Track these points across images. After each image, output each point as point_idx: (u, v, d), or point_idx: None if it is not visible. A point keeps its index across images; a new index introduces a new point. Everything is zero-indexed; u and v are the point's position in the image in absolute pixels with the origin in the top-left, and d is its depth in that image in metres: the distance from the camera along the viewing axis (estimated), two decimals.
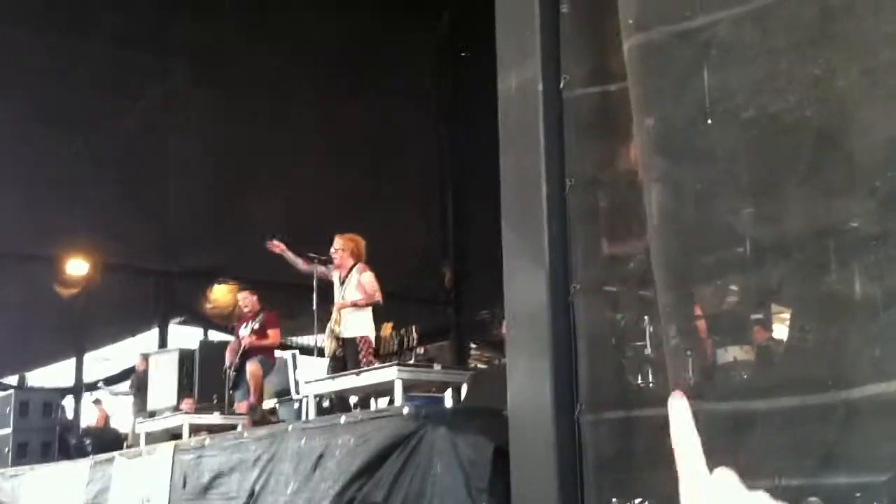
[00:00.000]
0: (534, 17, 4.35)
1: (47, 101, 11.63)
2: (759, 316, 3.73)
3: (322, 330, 7.24)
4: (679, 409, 0.69)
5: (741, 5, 3.40)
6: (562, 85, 4.31)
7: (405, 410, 4.70)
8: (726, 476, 0.66)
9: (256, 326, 8.11)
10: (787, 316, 3.68)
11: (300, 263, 7.45)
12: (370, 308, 7.09)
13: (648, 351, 4.26)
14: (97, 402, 10.87)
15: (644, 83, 3.71)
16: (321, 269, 7.35)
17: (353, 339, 6.94)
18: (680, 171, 3.58)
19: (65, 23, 11.64)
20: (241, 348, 7.96)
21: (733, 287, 3.54)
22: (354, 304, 7.00)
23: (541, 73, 4.31)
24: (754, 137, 3.39)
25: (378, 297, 7.03)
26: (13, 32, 11.44)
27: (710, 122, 3.46)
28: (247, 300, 8.42)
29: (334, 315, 7.07)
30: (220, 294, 8.68)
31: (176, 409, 7.79)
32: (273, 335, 8.19)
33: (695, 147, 3.52)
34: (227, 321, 8.54)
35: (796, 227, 3.32)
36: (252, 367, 7.89)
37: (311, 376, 7.04)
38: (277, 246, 7.46)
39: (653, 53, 3.66)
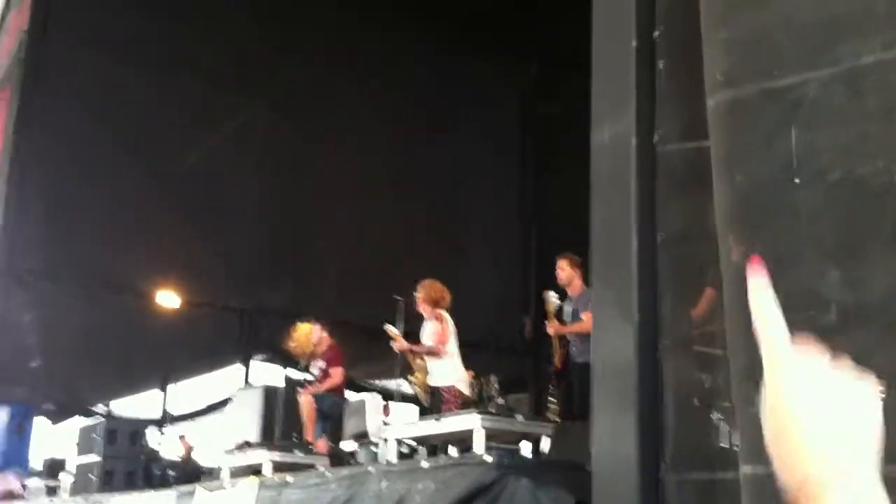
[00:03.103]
0: (629, 71, 4.39)
1: (137, 137, 12.03)
2: None
3: (403, 374, 7.30)
4: (758, 283, 0.72)
5: (832, 66, 3.39)
6: (655, 139, 4.33)
7: (487, 459, 4.69)
8: (808, 347, 0.68)
9: (322, 365, 8.21)
10: (882, 388, 3.58)
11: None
12: (452, 355, 7.10)
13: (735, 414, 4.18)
14: (182, 437, 11.11)
15: (731, 139, 3.71)
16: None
17: (437, 389, 7.00)
18: (763, 230, 3.55)
19: (158, 59, 12.03)
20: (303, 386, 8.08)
21: None
22: (411, 350, 7.07)
23: (635, 126, 4.33)
24: (840, 200, 3.34)
25: (442, 349, 7.01)
26: (116, 70, 11.90)
27: (796, 181, 3.44)
28: (316, 334, 8.52)
29: (415, 364, 7.13)
30: (303, 332, 8.83)
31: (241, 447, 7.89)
32: (335, 374, 8.21)
33: (779, 207, 3.49)
34: (309, 359, 8.69)
35: (880, 293, 3.25)
36: (303, 401, 7.96)
37: (392, 419, 7.08)
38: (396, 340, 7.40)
39: (740, 110, 3.66)
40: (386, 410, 8.23)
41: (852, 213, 3.35)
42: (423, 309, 7.27)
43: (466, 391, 6.96)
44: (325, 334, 8.46)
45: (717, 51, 3.79)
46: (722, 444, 4.09)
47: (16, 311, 11.74)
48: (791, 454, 0.66)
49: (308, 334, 8.60)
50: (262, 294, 12.58)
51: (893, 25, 3.19)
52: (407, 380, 7.26)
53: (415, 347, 7.07)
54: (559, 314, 7.01)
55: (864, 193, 3.30)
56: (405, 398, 7.48)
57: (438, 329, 7.07)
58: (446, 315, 7.21)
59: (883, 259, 3.21)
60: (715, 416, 4.15)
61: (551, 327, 6.89)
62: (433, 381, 7.03)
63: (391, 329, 7.21)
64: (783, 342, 0.68)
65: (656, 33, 4.42)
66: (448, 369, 7.06)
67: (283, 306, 12.13)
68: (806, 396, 0.66)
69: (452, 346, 7.13)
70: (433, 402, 6.94)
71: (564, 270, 6.93)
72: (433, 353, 7.04)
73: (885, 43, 3.19)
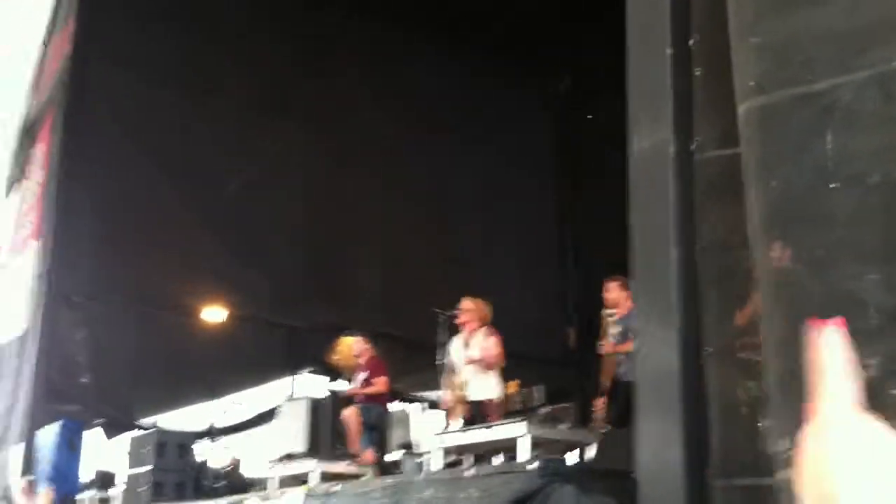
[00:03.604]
0: (667, 80, 4.42)
1: (181, 160, 12.21)
2: None
3: (447, 384, 7.37)
4: (835, 341, 0.73)
5: (864, 70, 3.39)
6: (693, 147, 4.35)
7: (532, 466, 4.73)
8: (874, 422, 0.70)
9: (364, 376, 8.29)
10: None
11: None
12: (496, 370, 7.18)
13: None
14: (227, 449, 11.25)
15: (765, 145, 3.72)
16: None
17: (479, 403, 7.06)
18: (800, 234, 3.55)
19: (200, 84, 12.23)
20: (348, 400, 8.16)
21: (871, 361, 3.45)
22: (473, 361, 7.13)
23: (673, 134, 4.36)
24: (878, 203, 3.34)
25: (500, 361, 7.12)
26: (157, 93, 12.09)
27: (832, 186, 3.44)
28: (357, 346, 8.58)
29: (461, 376, 7.19)
30: (346, 345, 8.95)
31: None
32: (379, 383, 8.26)
33: (816, 211, 3.49)
34: (352, 371, 8.81)
35: None
36: (348, 412, 8.04)
37: (436, 429, 7.14)
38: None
39: (774, 116, 3.68)
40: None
41: (891, 217, 3.34)
42: (471, 324, 7.35)
43: (503, 405, 7.05)
44: (366, 346, 8.56)
45: (748, 58, 3.81)
46: (769, 450, 4.10)
47: (66, 331, 11.95)
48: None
49: (351, 347, 8.71)
50: (307, 310, 12.71)
51: None
52: (460, 397, 7.30)
53: (478, 360, 7.15)
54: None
55: None
56: (447, 409, 7.54)
57: (496, 343, 7.18)
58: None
59: None
60: (762, 421, 4.15)
61: (606, 346, 6.88)
62: (475, 394, 7.09)
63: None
64: (846, 402, 0.71)
65: (692, 41, 4.45)
66: (492, 383, 7.16)
67: (329, 321, 12.23)
68: (856, 456, 0.68)
69: None
70: (474, 415, 7.00)
71: (613, 292, 6.86)
72: (498, 364, 7.13)
73: None
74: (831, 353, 0.72)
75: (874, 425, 0.69)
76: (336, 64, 12.78)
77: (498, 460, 6.43)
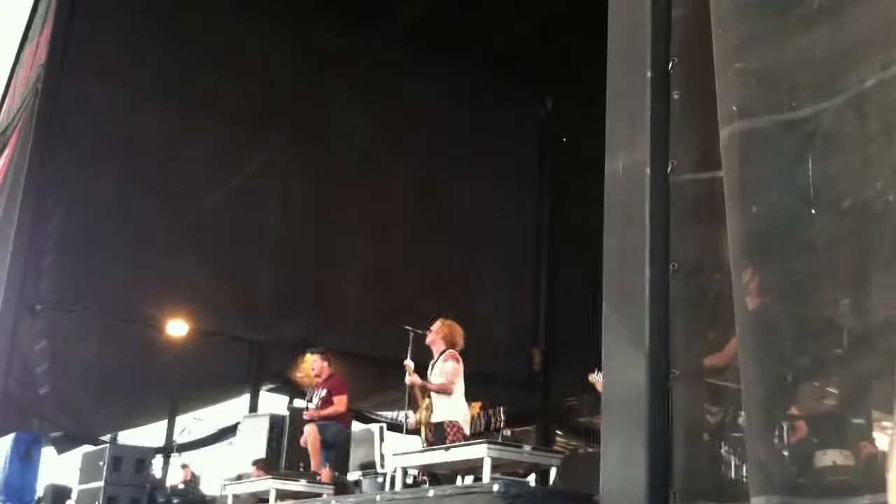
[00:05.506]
0: (645, 103, 4.40)
1: (155, 172, 12.11)
2: (861, 421, 3.57)
3: (412, 406, 7.27)
4: None
5: (843, 93, 3.39)
6: (669, 169, 4.34)
7: (495, 487, 4.65)
8: None
9: (324, 394, 8.17)
10: (888, 423, 3.53)
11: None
12: (459, 393, 7.09)
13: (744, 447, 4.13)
14: (184, 466, 11.07)
15: (745, 170, 3.70)
16: None
17: (441, 424, 6.97)
18: (781, 261, 3.53)
19: (182, 97, 12.17)
20: (308, 420, 8.04)
21: (831, 389, 3.42)
22: (424, 386, 7.07)
23: (649, 156, 4.34)
24: (850, 226, 3.33)
25: (452, 388, 7.02)
26: (138, 103, 12.00)
27: (813, 211, 3.42)
28: (315, 364, 8.45)
29: (426, 397, 7.10)
30: (309, 363, 8.84)
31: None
32: (338, 402, 8.15)
33: (797, 237, 3.47)
34: (313, 389, 8.68)
35: (882, 317, 3.21)
36: (307, 430, 7.92)
37: (398, 450, 7.04)
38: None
39: (756, 141, 3.66)
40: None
41: (860, 239, 3.33)
42: (437, 345, 7.27)
43: (467, 428, 6.96)
44: (325, 364, 8.41)
45: (731, 83, 3.80)
46: (731, 476, 4.05)
47: (27, 340, 11.74)
48: None
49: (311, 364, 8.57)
50: (276, 326, 12.59)
51: (890, 44, 3.20)
52: (423, 420, 7.19)
53: (428, 385, 7.06)
54: None
55: (867, 217, 3.29)
56: (411, 430, 7.44)
57: (453, 368, 7.08)
58: (459, 357, 7.23)
59: (881, 283, 3.19)
60: (724, 447, 4.10)
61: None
62: (437, 416, 7.01)
63: (409, 364, 7.21)
64: None
65: (671, 65, 4.45)
66: (453, 406, 7.07)
67: (296, 338, 12.11)
68: None
69: (460, 385, 7.16)
70: (436, 438, 6.90)
71: None
72: (444, 390, 7.03)
73: (883, 63, 3.19)
74: None
75: None
76: (322, 81, 12.79)
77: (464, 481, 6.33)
